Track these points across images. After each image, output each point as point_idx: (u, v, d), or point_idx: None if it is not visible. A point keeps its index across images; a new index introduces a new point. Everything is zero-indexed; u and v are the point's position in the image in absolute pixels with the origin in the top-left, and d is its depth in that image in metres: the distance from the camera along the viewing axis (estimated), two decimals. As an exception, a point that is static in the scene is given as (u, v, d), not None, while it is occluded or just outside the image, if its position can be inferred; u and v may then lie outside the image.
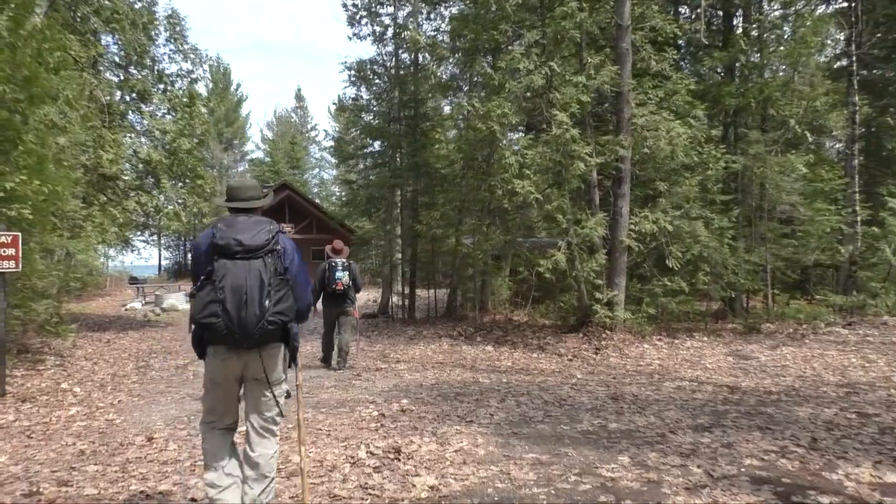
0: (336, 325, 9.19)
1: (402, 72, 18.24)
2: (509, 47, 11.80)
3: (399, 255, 16.43)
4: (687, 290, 11.32)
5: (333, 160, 55.24)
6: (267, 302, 3.06)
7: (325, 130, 52.73)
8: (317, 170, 55.50)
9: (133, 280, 29.06)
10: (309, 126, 57.51)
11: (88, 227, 12.87)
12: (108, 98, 14.82)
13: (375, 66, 19.38)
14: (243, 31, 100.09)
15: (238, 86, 50.63)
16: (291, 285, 3.23)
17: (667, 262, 10.90)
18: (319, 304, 8.87)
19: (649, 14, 11.77)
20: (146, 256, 36.75)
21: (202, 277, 3.12)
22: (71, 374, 8.85)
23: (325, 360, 9.37)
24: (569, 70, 11.37)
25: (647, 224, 10.75)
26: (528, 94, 11.17)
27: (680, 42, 13.83)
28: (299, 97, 57.64)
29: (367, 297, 22.12)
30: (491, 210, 12.76)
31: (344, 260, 8.95)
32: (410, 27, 15.27)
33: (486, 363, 9.72)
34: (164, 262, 49.26)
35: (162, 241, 48.07)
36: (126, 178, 15.71)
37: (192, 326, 3.19)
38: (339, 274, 8.79)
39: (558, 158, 10.64)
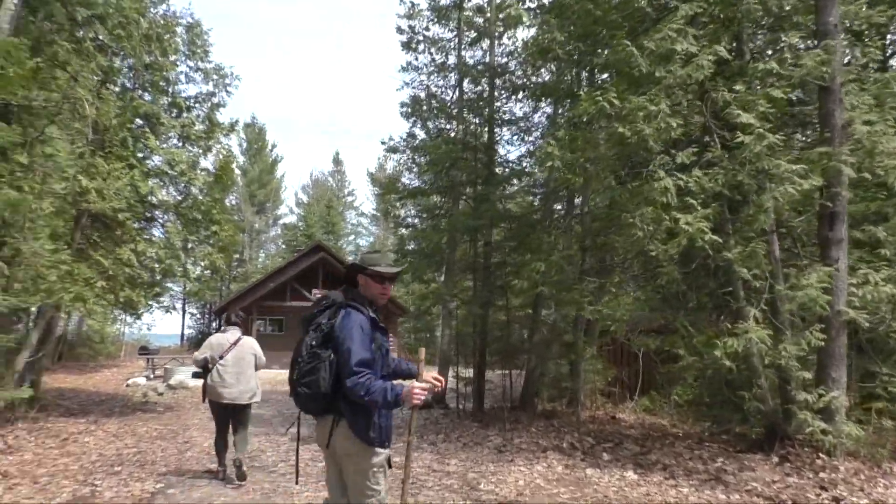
0: None
1: (466, 102, 15.01)
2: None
3: (467, 328, 12.50)
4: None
5: (371, 227, 52.66)
6: (295, 373, 3.27)
7: (370, 172, 49.89)
8: (353, 236, 52.47)
9: (143, 350, 25.42)
10: (346, 191, 54.87)
11: (52, 276, 9.36)
12: (110, 120, 11.61)
13: (433, 100, 16.28)
14: (273, 107, 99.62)
15: (273, 146, 48.35)
16: (329, 360, 3.18)
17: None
18: None
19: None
20: (149, 323, 33.21)
21: None
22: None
23: None
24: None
25: (885, 287, 6.83)
26: (689, 88, 7.59)
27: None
28: (337, 161, 55.24)
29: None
30: (617, 265, 9.01)
31: None
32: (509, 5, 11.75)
33: (651, 512, 5.73)
34: (187, 331, 45.95)
35: (186, 307, 45.14)
36: (126, 219, 12.17)
37: None
38: None
39: (743, 179, 6.89)
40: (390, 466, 3.37)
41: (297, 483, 5.42)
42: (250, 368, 6.70)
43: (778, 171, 6.70)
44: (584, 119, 7.82)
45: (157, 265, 12.48)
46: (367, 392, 3.06)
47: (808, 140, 8.53)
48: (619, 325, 8.12)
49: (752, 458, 7.29)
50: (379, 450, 3.25)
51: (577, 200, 12.43)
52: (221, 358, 6.57)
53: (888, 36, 9.60)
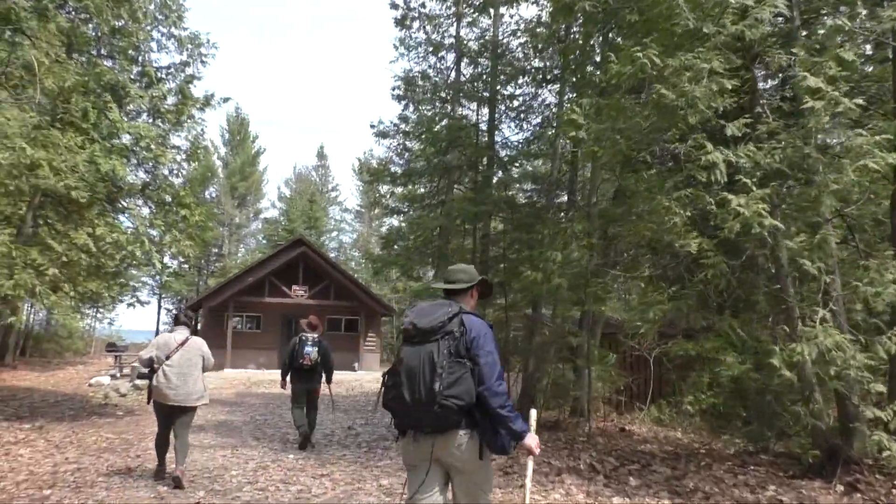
0: (306, 403, 8.60)
1: (463, 83, 13.92)
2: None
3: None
4: None
5: (355, 223, 51.34)
6: (437, 385, 2.94)
7: (358, 159, 48.39)
8: (335, 232, 51.09)
9: (111, 347, 23.99)
10: (330, 186, 53.49)
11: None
12: (63, 84, 10.28)
13: (427, 82, 15.13)
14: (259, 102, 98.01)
15: (255, 138, 46.81)
16: (471, 368, 3.02)
17: None
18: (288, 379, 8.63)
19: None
20: (111, 318, 31.79)
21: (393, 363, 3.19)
22: None
23: (304, 445, 8.43)
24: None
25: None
26: (737, 51, 6.46)
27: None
28: (321, 155, 53.86)
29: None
30: (643, 257, 7.88)
31: (316, 336, 8.52)
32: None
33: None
34: (162, 327, 44.28)
35: (162, 302, 43.47)
36: (82, 199, 10.71)
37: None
38: (308, 349, 8.30)
39: (810, 153, 5.77)
40: None
41: None
42: (197, 370, 6.36)
43: (853, 143, 5.59)
44: (613, 83, 6.65)
45: (118, 252, 11.14)
46: (506, 403, 3.04)
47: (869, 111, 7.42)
48: (648, 326, 7.00)
49: (809, 485, 6.16)
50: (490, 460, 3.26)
51: (585, 187, 11.38)
52: (168, 358, 6.09)
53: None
